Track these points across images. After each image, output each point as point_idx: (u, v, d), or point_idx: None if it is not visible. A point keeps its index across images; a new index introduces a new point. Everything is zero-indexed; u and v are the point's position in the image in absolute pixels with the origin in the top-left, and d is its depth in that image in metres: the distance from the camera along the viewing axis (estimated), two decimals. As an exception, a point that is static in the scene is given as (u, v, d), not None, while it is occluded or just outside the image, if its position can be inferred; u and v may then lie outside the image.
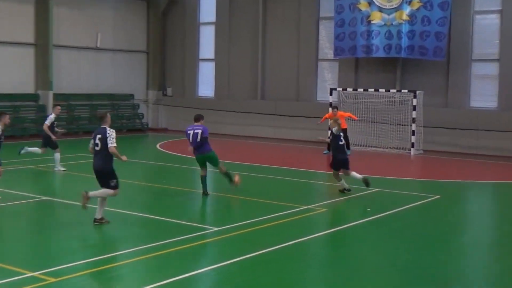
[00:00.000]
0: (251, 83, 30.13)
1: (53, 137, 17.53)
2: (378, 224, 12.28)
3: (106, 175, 11.29)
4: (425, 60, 24.93)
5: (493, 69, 24.41)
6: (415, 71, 25.68)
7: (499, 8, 24.13)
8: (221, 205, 14.05)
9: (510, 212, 14.29)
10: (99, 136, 11.26)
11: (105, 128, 11.29)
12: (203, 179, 14.36)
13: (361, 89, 25.45)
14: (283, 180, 16.61)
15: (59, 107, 18.56)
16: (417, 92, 24.07)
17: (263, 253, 9.82)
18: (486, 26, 24.54)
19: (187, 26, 32.29)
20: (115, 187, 11.32)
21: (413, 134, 24.00)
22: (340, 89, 26.01)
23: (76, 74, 29.69)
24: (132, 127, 31.66)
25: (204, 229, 11.43)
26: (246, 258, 9.54)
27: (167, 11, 32.92)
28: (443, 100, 25.28)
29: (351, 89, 25.78)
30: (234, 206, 13.90)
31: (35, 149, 17.76)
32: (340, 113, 22.63)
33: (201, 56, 32.35)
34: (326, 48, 28.15)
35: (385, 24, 25.07)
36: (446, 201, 14.92)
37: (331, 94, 25.74)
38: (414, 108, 23.93)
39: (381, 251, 10.36)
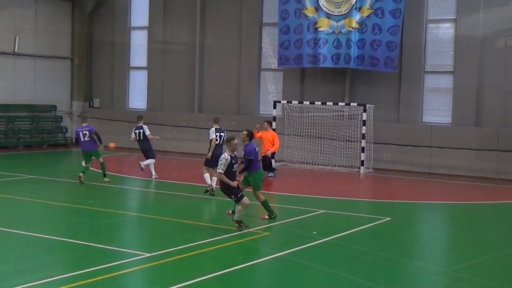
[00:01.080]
0: (188, 94, 30.13)
1: (157, 137, 20.63)
2: (325, 248, 12.43)
3: (226, 193, 13.56)
4: (375, 71, 25.43)
5: (447, 82, 25.05)
6: (365, 83, 26.16)
7: (454, 17, 24.84)
8: (155, 229, 13.98)
9: (463, 235, 14.68)
10: None
11: (223, 153, 13.63)
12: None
13: (307, 102, 25.78)
14: (222, 201, 16.61)
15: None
16: (367, 105, 24.54)
17: (200, 281, 9.81)
18: (440, 35, 25.22)
19: (117, 30, 32.11)
20: (238, 200, 13.38)
21: (363, 151, 24.42)
22: (285, 101, 26.30)
23: (-10, 82, 29.16)
24: (54, 142, 31.19)
25: (135, 255, 11.34)
26: (181, 287, 9.50)
27: (94, 13, 32.67)
28: (395, 114, 25.80)
29: (296, 102, 26.10)
30: (169, 229, 13.85)
31: (150, 161, 20.36)
32: (261, 134, 22.57)
33: (132, 64, 32.21)
34: (270, 57, 28.43)
35: (333, 31, 25.47)
36: (397, 223, 15.24)
37: (274, 107, 26.01)
38: (364, 123, 24.37)
39: (328, 279, 10.48)
